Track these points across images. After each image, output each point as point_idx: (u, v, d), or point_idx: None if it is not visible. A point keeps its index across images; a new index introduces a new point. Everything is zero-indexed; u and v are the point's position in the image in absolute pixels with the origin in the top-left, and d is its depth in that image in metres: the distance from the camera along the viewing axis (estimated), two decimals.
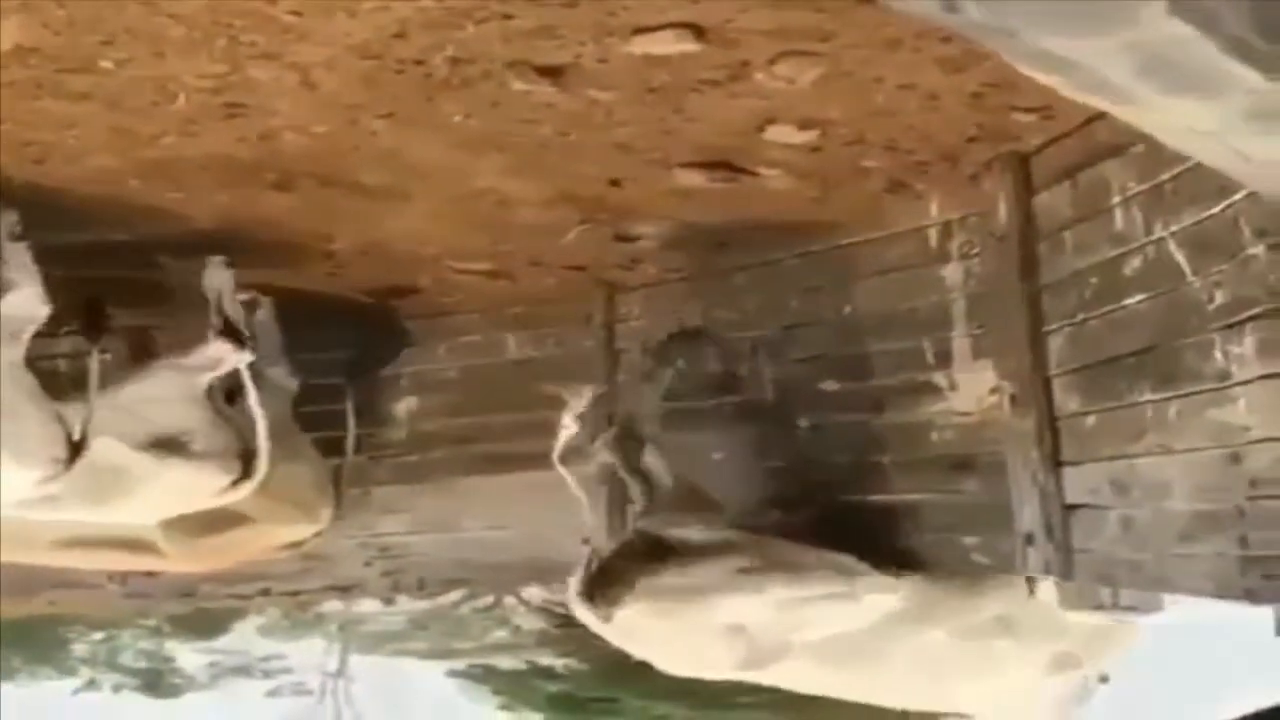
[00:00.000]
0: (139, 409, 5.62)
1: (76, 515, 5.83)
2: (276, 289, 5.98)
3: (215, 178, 4.93)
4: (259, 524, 6.43)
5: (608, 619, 5.48)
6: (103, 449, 5.45)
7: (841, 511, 5.56)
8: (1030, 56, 1.33)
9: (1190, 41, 1.26)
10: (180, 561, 6.62)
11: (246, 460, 5.75)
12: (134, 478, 5.65)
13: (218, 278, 5.57)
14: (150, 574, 7.20)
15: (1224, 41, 1.28)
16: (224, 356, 5.62)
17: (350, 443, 6.89)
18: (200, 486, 5.78)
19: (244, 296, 6.22)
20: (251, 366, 5.81)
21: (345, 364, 6.98)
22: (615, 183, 5.07)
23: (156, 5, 3.53)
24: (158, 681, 14.29)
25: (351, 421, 6.92)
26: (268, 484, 6.06)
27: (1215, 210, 3.68)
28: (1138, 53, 1.29)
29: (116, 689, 14.24)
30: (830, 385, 5.67)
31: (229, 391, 5.87)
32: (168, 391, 5.68)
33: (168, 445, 5.63)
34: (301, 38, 3.74)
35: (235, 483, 5.76)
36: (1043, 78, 1.40)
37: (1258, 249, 3.54)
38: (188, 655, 14.48)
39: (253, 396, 5.72)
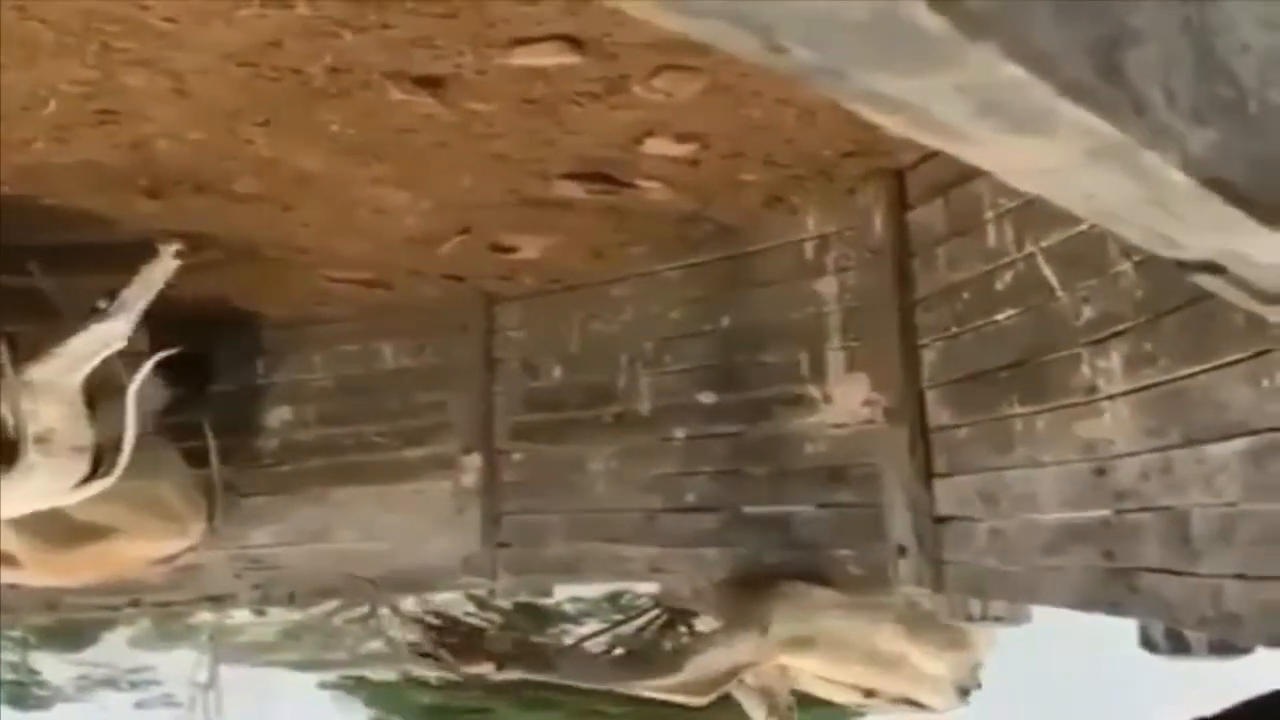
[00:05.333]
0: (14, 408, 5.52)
1: None
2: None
3: (86, 184, 4.84)
4: (123, 538, 6.30)
5: None
6: None
7: (720, 522, 5.59)
8: (861, 97, 1.33)
9: (1024, 84, 1.26)
10: (40, 574, 6.45)
11: (99, 459, 5.62)
12: None
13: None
14: (13, 586, 7.03)
15: (1060, 84, 1.29)
16: (112, 339, 5.52)
17: (214, 460, 6.77)
18: (55, 485, 5.65)
19: (104, 304, 6.11)
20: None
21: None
22: (494, 193, 5.06)
23: (29, 9, 3.46)
24: (23, 694, 13.97)
25: (210, 438, 6.80)
26: (133, 496, 5.95)
27: (1084, 227, 3.74)
28: (971, 94, 1.29)
29: None
30: (707, 397, 5.69)
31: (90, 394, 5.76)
32: (43, 387, 5.56)
33: (36, 441, 5.52)
34: (176, 45, 3.69)
35: (85, 480, 5.64)
36: (878, 118, 1.40)
37: (1125, 266, 3.62)
38: (55, 667, 14.18)
39: (132, 391, 5.62)
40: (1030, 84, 1.24)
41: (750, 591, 5.76)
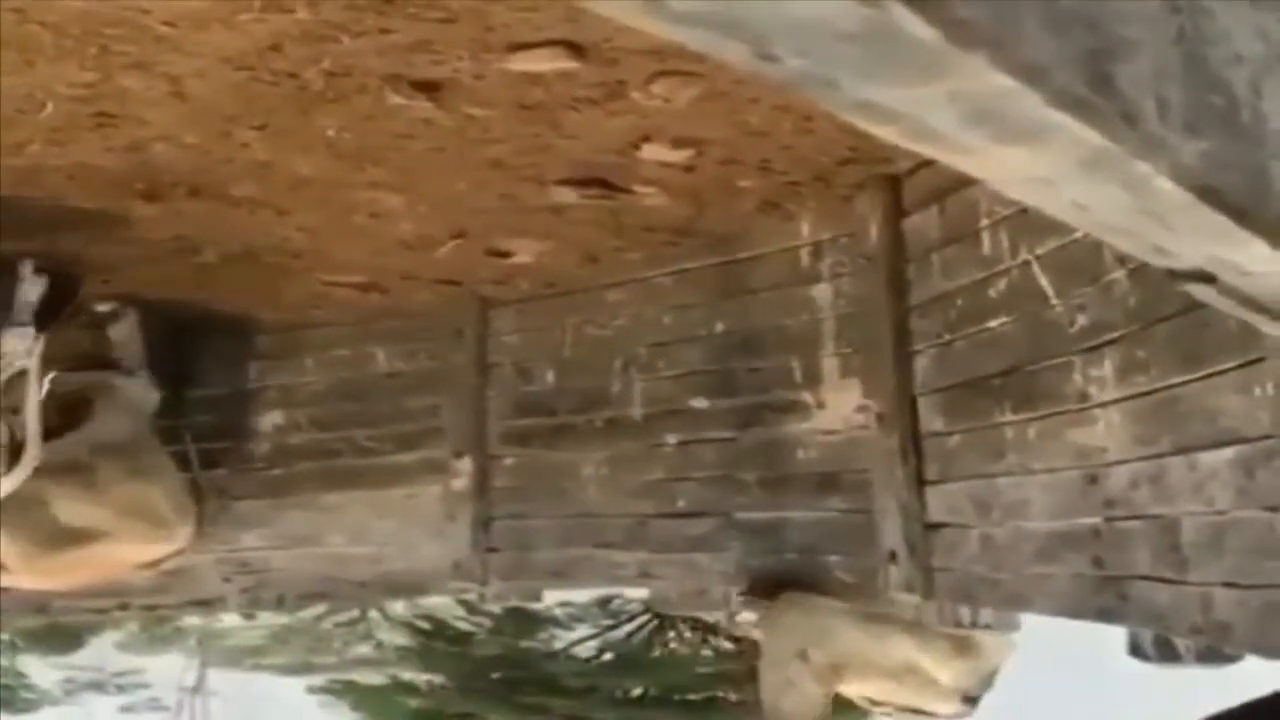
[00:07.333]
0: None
1: None
2: None
3: (82, 187, 4.84)
4: (111, 541, 6.30)
5: None
6: None
7: (711, 528, 5.59)
8: (854, 106, 1.34)
9: (1014, 94, 1.27)
10: (27, 578, 6.44)
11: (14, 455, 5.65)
12: None
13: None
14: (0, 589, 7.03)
15: (1050, 94, 1.30)
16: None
17: (194, 465, 6.78)
18: None
19: (106, 307, 6.13)
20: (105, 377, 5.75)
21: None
22: (490, 198, 5.07)
23: (28, 12, 3.47)
24: (10, 697, 13.92)
25: (189, 444, 6.82)
26: (121, 500, 5.96)
27: (1078, 235, 3.74)
28: (962, 103, 1.30)
29: None
30: (700, 402, 5.69)
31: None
32: None
33: None
34: (174, 48, 3.69)
35: None
36: (871, 127, 1.41)
37: (1119, 274, 3.63)
38: (42, 670, 14.14)
39: (32, 393, 5.62)
40: (1021, 94, 1.26)
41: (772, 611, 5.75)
